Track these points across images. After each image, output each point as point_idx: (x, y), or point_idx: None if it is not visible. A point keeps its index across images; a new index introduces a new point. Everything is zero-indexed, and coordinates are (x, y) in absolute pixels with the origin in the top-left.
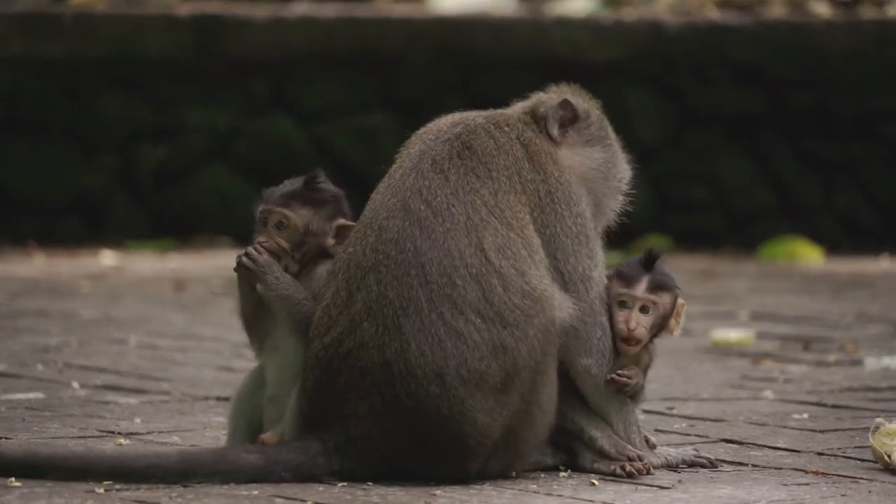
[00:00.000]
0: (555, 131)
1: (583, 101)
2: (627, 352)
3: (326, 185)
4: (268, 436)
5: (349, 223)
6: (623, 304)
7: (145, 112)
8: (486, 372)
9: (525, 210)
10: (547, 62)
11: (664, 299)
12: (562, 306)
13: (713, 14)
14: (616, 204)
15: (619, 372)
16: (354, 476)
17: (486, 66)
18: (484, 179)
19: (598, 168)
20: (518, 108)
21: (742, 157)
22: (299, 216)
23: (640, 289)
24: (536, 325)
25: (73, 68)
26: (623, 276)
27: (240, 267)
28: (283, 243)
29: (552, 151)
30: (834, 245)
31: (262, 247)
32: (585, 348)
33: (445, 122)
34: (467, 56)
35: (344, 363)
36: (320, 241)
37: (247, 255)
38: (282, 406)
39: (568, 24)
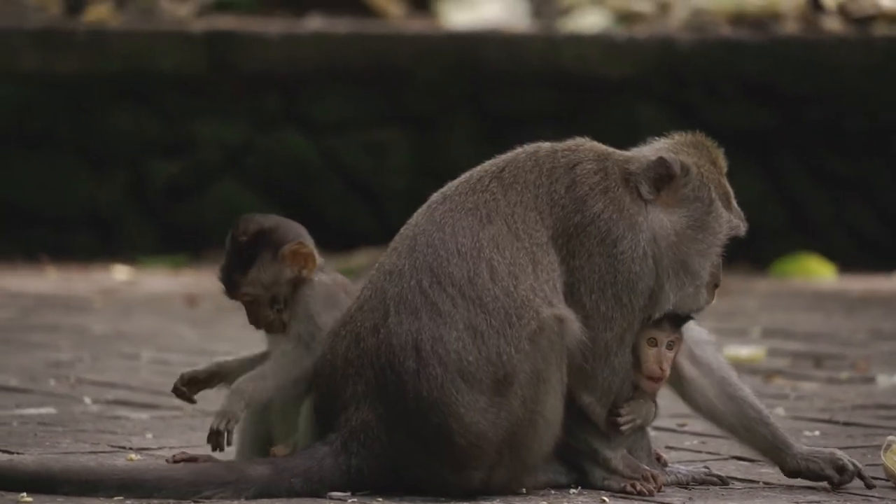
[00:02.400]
0: (645, 191)
1: (687, 156)
2: (653, 389)
3: (249, 230)
4: (278, 448)
5: (290, 246)
6: (652, 343)
7: (157, 127)
8: (464, 357)
9: (544, 232)
10: (559, 78)
11: (680, 334)
12: (560, 322)
13: (726, 30)
14: (706, 263)
15: (615, 411)
16: (362, 474)
17: (497, 81)
18: (507, 189)
19: (682, 231)
20: (616, 154)
21: (754, 174)
22: (252, 284)
23: (666, 326)
24: (522, 326)
25: (86, 84)
26: None
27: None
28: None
29: (615, 194)
30: (846, 262)
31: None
32: (590, 385)
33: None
34: (479, 72)
35: (345, 328)
36: (285, 280)
37: (213, 435)
38: (287, 418)
39: (580, 41)
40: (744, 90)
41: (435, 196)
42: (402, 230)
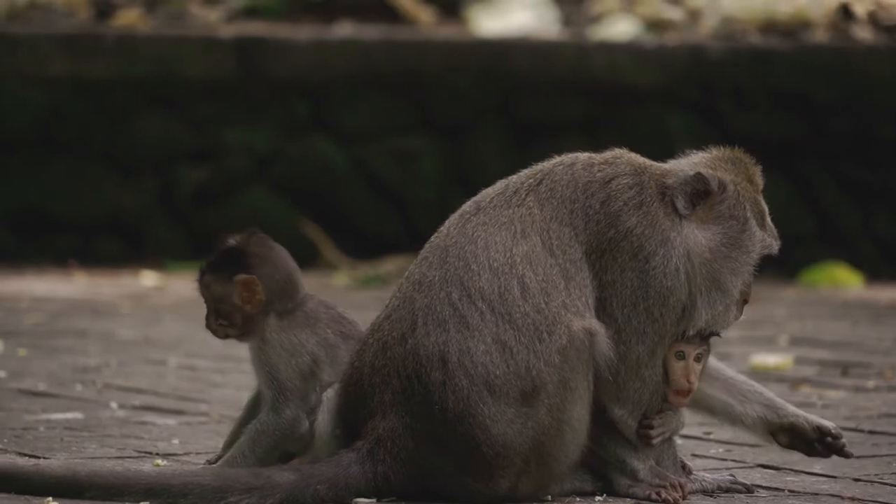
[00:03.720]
0: (680, 205)
1: (724, 172)
2: (681, 403)
3: (238, 242)
4: (299, 461)
5: (242, 276)
6: (680, 356)
7: (186, 133)
8: (492, 371)
9: (578, 248)
10: (588, 86)
11: (707, 346)
12: (591, 334)
13: (755, 39)
14: (738, 281)
15: (644, 423)
16: (388, 481)
17: (527, 89)
18: (543, 203)
19: (716, 248)
20: (654, 168)
21: (782, 183)
22: (205, 287)
23: (694, 339)
24: (553, 342)
25: (115, 89)
26: None
27: None
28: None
29: (650, 209)
30: (874, 271)
31: None
32: (620, 397)
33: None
34: (508, 79)
35: (373, 336)
36: (232, 304)
37: None
38: (300, 436)
39: (610, 48)
40: (773, 98)
41: (468, 206)
42: (432, 238)
